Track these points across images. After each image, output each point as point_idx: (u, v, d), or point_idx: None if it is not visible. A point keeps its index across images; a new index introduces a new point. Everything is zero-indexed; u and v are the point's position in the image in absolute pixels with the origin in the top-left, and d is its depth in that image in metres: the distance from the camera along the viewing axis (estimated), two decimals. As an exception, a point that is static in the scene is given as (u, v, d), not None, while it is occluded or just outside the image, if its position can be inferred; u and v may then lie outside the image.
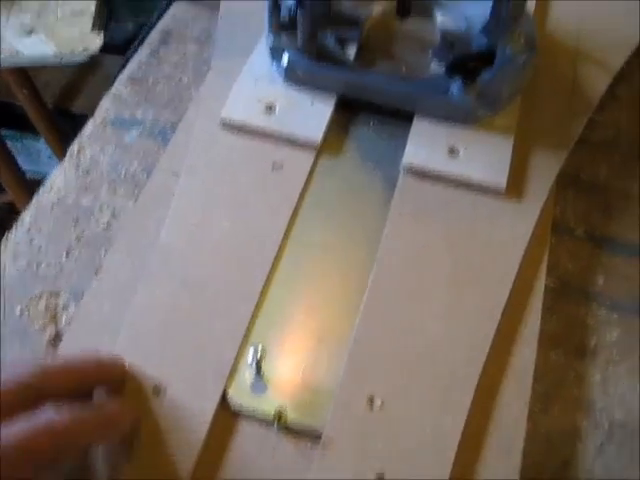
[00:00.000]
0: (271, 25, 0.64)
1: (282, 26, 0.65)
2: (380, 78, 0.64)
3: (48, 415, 0.39)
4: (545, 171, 0.63)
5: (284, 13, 0.64)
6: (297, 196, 0.60)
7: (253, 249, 0.57)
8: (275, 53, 0.67)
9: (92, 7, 1.08)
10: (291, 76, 0.66)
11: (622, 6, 0.77)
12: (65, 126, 1.52)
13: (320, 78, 0.65)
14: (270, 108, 0.65)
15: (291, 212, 0.60)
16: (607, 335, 0.58)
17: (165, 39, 0.78)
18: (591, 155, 0.69)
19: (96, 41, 1.07)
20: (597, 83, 0.71)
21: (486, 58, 0.61)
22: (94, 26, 1.08)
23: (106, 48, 1.59)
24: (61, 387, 0.43)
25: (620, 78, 0.75)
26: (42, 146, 1.59)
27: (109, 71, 1.50)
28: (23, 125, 1.52)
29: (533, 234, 0.60)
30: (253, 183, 0.61)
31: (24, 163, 1.70)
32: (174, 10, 0.81)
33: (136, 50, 0.79)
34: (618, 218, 0.65)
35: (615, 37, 0.75)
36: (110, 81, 0.76)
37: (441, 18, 0.72)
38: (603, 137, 0.71)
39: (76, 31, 1.08)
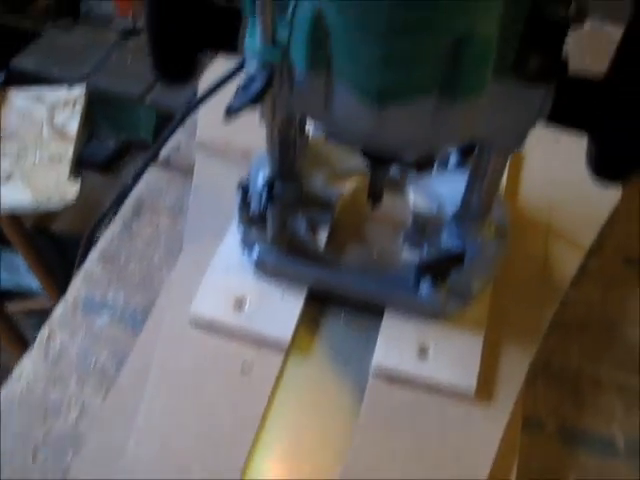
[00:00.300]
0: (241, 218, 0.64)
1: (252, 219, 0.65)
2: (349, 276, 0.64)
3: None
4: (515, 369, 0.63)
5: (254, 207, 0.64)
6: (265, 403, 0.60)
7: (221, 460, 0.57)
8: (246, 244, 0.67)
9: (70, 152, 1.09)
10: (261, 268, 0.66)
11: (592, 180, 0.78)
12: (44, 244, 1.52)
13: (290, 272, 0.65)
14: (240, 303, 0.65)
15: (259, 422, 0.59)
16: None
17: (138, 210, 0.78)
18: (562, 339, 0.69)
19: (72, 190, 1.07)
20: (568, 263, 0.72)
21: (456, 258, 0.61)
22: (71, 173, 1.08)
23: (87, 165, 1.61)
24: None
25: (590, 251, 0.75)
26: (21, 260, 1.59)
27: (88, 190, 1.50)
28: (2, 239, 1.51)
29: (503, 438, 0.59)
30: (222, 388, 0.61)
31: (3, 273, 1.69)
32: (148, 177, 0.81)
33: (107, 217, 0.79)
34: (590, 409, 0.65)
35: (586, 212, 0.76)
36: (79, 258, 0.75)
37: (414, 197, 0.72)
38: (574, 316, 0.71)
39: (53, 178, 1.08)
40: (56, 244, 1.51)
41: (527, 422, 0.63)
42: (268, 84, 0.51)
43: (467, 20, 0.46)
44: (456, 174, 0.68)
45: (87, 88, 1.43)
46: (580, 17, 0.49)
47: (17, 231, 1.43)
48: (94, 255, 0.74)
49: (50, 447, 0.61)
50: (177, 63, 0.59)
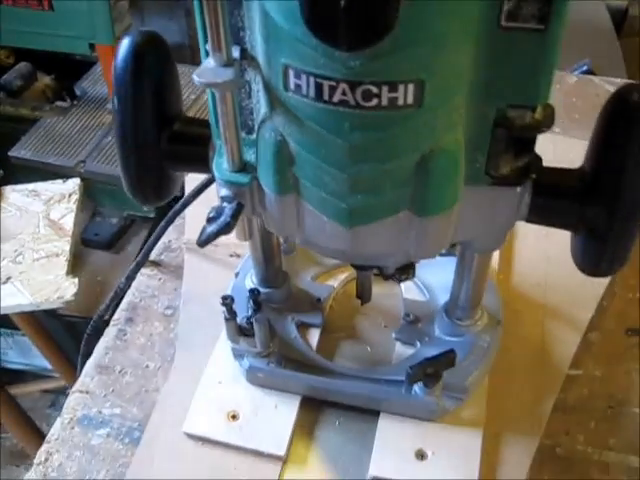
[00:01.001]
0: (228, 331, 0.64)
1: (240, 330, 0.64)
2: (343, 381, 0.63)
3: None
4: (518, 464, 0.62)
5: (241, 317, 0.64)
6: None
7: None
8: (236, 355, 0.66)
9: (67, 248, 1.09)
10: (253, 380, 0.66)
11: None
12: (53, 326, 1.52)
13: (283, 382, 0.64)
14: (234, 417, 0.64)
15: None
16: None
17: (131, 317, 0.77)
18: (566, 422, 0.68)
19: (71, 288, 1.07)
20: (568, 344, 0.70)
21: (446, 360, 0.60)
22: (69, 271, 1.08)
23: (91, 244, 1.61)
24: None
25: (590, 325, 0.74)
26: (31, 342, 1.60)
27: (95, 268, 1.51)
28: (11, 322, 1.52)
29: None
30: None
31: (16, 357, 1.70)
32: (140, 279, 0.81)
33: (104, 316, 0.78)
34: (600, 498, 0.63)
35: (582, 286, 0.74)
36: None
37: (404, 289, 0.72)
38: (578, 398, 0.70)
39: (51, 277, 1.08)
40: (65, 325, 1.51)
41: (535, 517, 0.61)
42: (235, 217, 0.51)
43: (430, 138, 0.46)
44: (445, 262, 0.67)
45: (84, 173, 1.45)
46: (547, 122, 0.48)
47: (25, 316, 1.43)
48: (89, 367, 0.73)
49: None
50: (149, 184, 0.59)
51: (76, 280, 1.08)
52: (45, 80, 1.75)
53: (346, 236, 0.51)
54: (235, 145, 0.51)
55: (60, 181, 1.34)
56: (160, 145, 0.57)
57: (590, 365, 0.72)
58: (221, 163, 0.53)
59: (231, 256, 0.79)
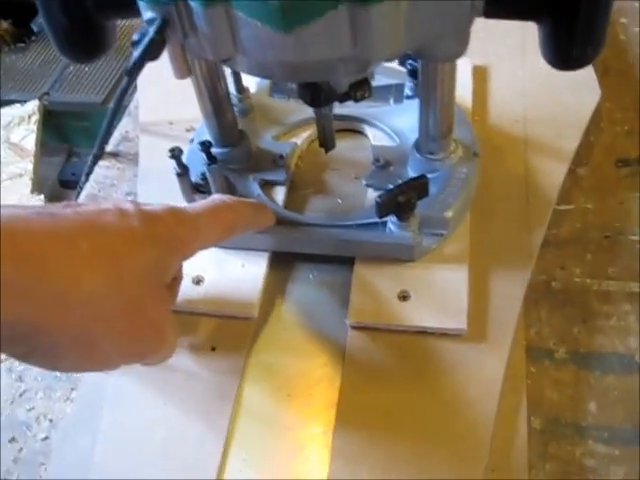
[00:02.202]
0: (182, 187, 0.59)
1: (196, 188, 0.59)
2: (312, 230, 0.58)
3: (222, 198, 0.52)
4: (509, 300, 0.57)
5: (195, 178, 0.59)
6: (238, 379, 0.54)
7: (195, 457, 0.51)
8: (195, 217, 0.61)
9: (30, 168, 1.04)
10: (216, 241, 0.60)
11: (566, 83, 0.71)
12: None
13: (247, 239, 0.59)
14: (198, 281, 0.59)
15: (233, 399, 0.53)
16: (612, 476, 0.51)
17: (91, 208, 0.72)
18: (561, 257, 0.63)
19: (37, 205, 1.02)
20: (553, 175, 0.65)
21: (417, 186, 0.55)
22: (33, 189, 1.03)
23: (70, 185, 1.56)
24: None
25: (578, 159, 0.69)
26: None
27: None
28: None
29: (505, 375, 0.53)
30: (193, 366, 0.56)
31: None
32: (98, 172, 0.76)
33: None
34: (602, 327, 0.58)
35: (565, 119, 0.69)
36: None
37: (372, 135, 0.67)
38: (571, 231, 0.65)
39: (15, 197, 1.03)
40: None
41: (534, 352, 0.57)
42: (159, 34, 0.45)
43: None
44: (414, 106, 0.61)
45: (49, 104, 1.40)
46: None
47: None
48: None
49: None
50: (77, 37, 0.54)
51: (42, 196, 1.03)
52: (3, 25, 1.69)
53: (285, 43, 0.45)
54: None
55: (18, 105, 1.29)
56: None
57: (582, 199, 0.67)
58: (141, -16, 0.47)
59: (187, 131, 0.74)
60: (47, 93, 1.46)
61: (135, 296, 0.43)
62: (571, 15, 0.46)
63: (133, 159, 0.76)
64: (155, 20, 0.47)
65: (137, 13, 0.49)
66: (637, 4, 0.88)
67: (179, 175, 0.57)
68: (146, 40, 0.45)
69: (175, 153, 0.55)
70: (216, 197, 0.52)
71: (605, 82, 0.76)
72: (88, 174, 0.77)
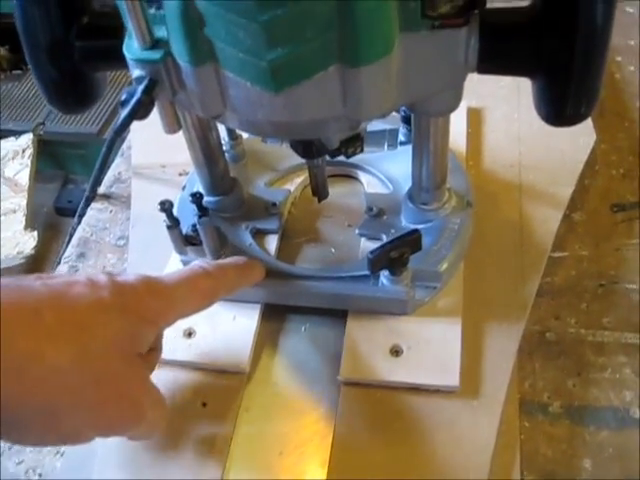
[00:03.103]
0: (173, 239, 0.58)
1: (187, 239, 0.59)
2: (304, 283, 0.58)
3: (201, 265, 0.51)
4: (502, 354, 0.56)
5: (186, 229, 0.58)
6: (230, 433, 0.53)
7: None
8: (187, 267, 0.60)
9: (24, 203, 1.03)
10: (207, 293, 0.59)
11: (561, 129, 0.70)
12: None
13: (239, 291, 0.58)
14: (189, 334, 0.58)
15: (226, 454, 0.52)
16: (606, 539, 0.50)
17: (82, 252, 0.72)
18: (555, 306, 0.62)
19: (30, 242, 1.02)
20: (548, 223, 0.65)
21: (410, 240, 0.54)
22: (27, 225, 1.03)
23: (65, 212, 1.56)
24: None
25: (573, 203, 0.68)
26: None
27: (71, 236, 1.45)
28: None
29: (499, 431, 0.52)
30: (183, 423, 0.55)
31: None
32: (91, 214, 0.76)
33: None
34: (596, 380, 0.58)
35: (560, 164, 0.69)
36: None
37: (366, 183, 0.66)
38: (565, 279, 0.64)
39: (9, 234, 1.03)
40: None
41: (528, 406, 0.56)
42: (147, 93, 0.45)
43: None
44: (407, 152, 0.61)
45: (44, 134, 1.40)
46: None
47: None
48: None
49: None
50: (67, 89, 0.54)
51: (35, 233, 1.02)
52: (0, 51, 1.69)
53: (275, 103, 0.45)
54: (142, 20, 0.45)
55: (13, 138, 1.28)
56: (69, 41, 0.51)
57: (576, 246, 0.67)
58: (131, 44, 0.47)
59: (180, 175, 0.74)
60: (42, 123, 1.46)
61: (104, 368, 0.42)
62: (565, 73, 0.46)
63: (126, 201, 0.76)
64: (143, 78, 0.46)
65: (126, 65, 0.49)
66: (632, 42, 0.88)
67: (169, 227, 0.56)
68: (134, 101, 0.45)
69: (165, 206, 0.55)
70: (196, 264, 0.52)
71: (600, 123, 0.76)
72: (81, 216, 0.76)
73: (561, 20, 0.44)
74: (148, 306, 0.45)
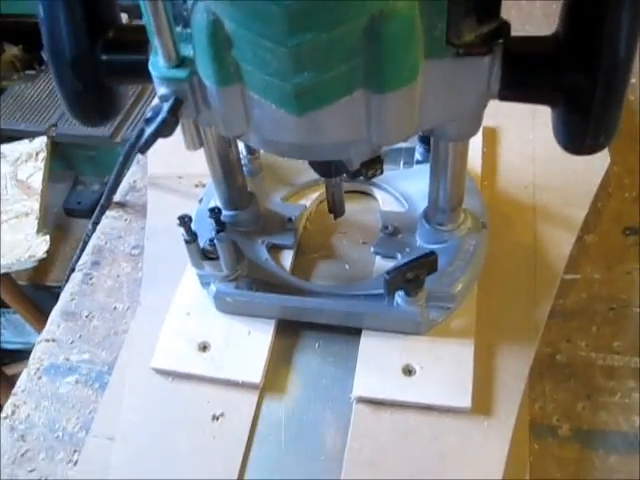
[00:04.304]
0: (190, 253, 0.59)
1: (204, 254, 0.59)
2: (319, 299, 0.58)
3: None
4: (514, 376, 0.57)
5: (204, 244, 0.59)
6: (242, 450, 0.54)
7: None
8: (203, 282, 0.61)
9: (37, 207, 1.04)
10: (222, 307, 0.60)
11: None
12: (42, 299, 1.48)
13: (254, 307, 0.59)
14: (204, 347, 0.59)
15: (237, 471, 0.53)
16: None
17: (97, 260, 0.73)
18: (566, 328, 0.63)
19: (42, 246, 1.02)
20: (561, 246, 0.65)
21: (427, 262, 0.55)
22: (40, 228, 1.03)
23: (75, 213, 1.56)
24: None
25: (585, 225, 0.69)
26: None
27: (79, 237, 1.46)
28: (3, 302, 1.48)
29: (509, 453, 0.53)
30: (194, 439, 0.55)
31: (11, 336, 1.66)
32: (105, 222, 0.76)
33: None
34: (606, 404, 0.58)
35: (574, 185, 0.69)
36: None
37: (381, 201, 0.66)
38: (577, 302, 0.65)
39: (21, 237, 1.03)
40: (55, 297, 1.46)
41: (537, 428, 0.57)
42: (173, 113, 0.45)
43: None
44: (424, 170, 0.61)
45: (57, 136, 1.40)
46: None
47: (11, 290, 1.39)
48: (55, 314, 0.69)
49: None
50: (90, 101, 0.54)
51: (47, 237, 1.03)
52: (13, 51, 1.69)
53: (299, 125, 0.45)
54: (169, 38, 0.45)
55: (26, 141, 1.29)
56: (95, 55, 0.51)
57: (588, 268, 0.67)
58: (157, 61, 0.47)
59: (196, 186, 0.74)
60: (55, 125, 1.46)
61: None
62: (585, 104, 0.46)
63: (141, 210, 0.76)
64: (169, 97, 0.47)
65: (150, 80, 0.49)
66: (647, 64, 0.88)
67: (187, 242, 0.57)
68: (159, 119, 0.45)
69: (184, 221, 0.55)
70: None
71: (614, 145, 0.75)
72: (95, 224, 0.77)
73: (584, 52, 0.44)
74: None
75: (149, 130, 0.46)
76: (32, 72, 1.70)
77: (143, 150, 0.47)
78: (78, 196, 1.55)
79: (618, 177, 0.75)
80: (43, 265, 1.57)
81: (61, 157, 1.60)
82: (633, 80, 0.87)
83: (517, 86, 0.48)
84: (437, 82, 0.46)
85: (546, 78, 0.47)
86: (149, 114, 0.47)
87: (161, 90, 0.47)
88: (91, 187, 1.50)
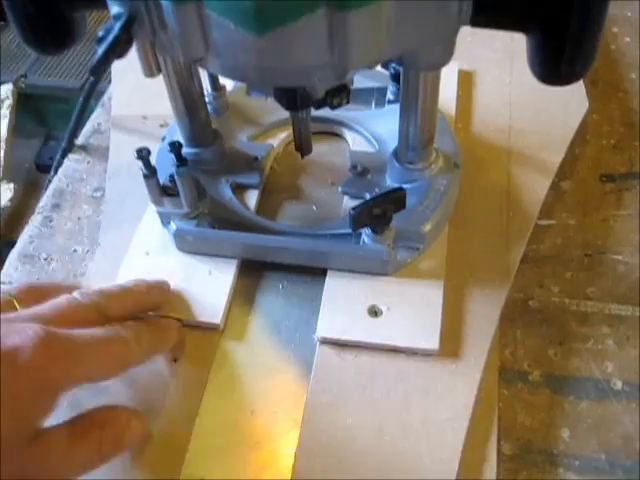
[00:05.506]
0: (149, 190, 0.56)
1: (164, 190, 0.57)
2: (283, 239, 0.56)
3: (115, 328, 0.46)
4: (484, 320, 0.55)
5: (165, 180, 0.56)
6: (200, 392, 0.53)
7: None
8: (163, 220, 0.59)
9: (1, 155, 1.00)
10: (183, 246, 0.58)
11: (553, 92, 0.69)
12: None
13: (215, 245, 0.57)
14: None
15: (195, 412, 0.51)
16: (581, 507, 0.49)
17: (57, 203, 0.70)
18: (540, 274, 0.61)
19: (6, 193, 0.99)
20: (536, 190, 0.63)
21: (394, 198, 0.53)
22: (4, 177, 1.00)
23: (46, 169, 1.53)
24: (120, 307, 0.49)
25: (562, 172, 0.67)
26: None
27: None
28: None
29: (477, 397, 0.51)
30: (153, 379, 0.54)
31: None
32: (67, 165, 0.73)
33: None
34: (578, 350, 0.56)
35: (551, 131, 0.67)
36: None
37: (351, 141, 0.64)
38: (551, 247, 0.63)
39: (-16, 185, 1.00)
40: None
41: (508, 374, 0.55)
42: (125, 31, 0.42)
43: None
44: (396, 111, 0.59)
45: (26, 87, 1.36)
46: None
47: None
48: (12, 257, 0.66)
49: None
50: (43, 29, 0.51)
51: (11, 186, 0.99)
52: (-18, 2, 1.64)
53: (259, 47, 0.43)
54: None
55: (-10, 90, 1.25)
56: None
57: (564, 214, 0.65)
58: (108, -22, 0.44)
59: (161, 126, 0.71)
60: (24, 75, 1.42)
61: None
62: (561, 27, 0.44)
63: (104, 153, 0.74)
64: (122, 15, 0.44)
65: (105, 5, 0.47)
66: (629, 13, 0.86)
67: (146, 177, 0.54)
68: (110, 38, 0.43)
69: (142, 154, 0.53)
70: (110, 328, 0.47)
71: (593, 93, 0.74)
72: (57, 168, 0.74)
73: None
74: (47, 374, 0.41)
75: (100, 49, 0.44)
76: (2, 23, 1.65)
77: (95, 71, 0.45)
78: (50, 151, 1.52)
79: (597, 125, 0.73)
80: (11, 217, 1.54)
81: (32, 112, 1.57)
82: (615, 29, 0.85)
83: (490, 10, 0.46)
84: (406, 5, 0.43)
85: (520, 2, 0.45)
86: (101, 33, 0.44)
87: (114, 8, 0.45)
88: (63, 142, 1.46)
